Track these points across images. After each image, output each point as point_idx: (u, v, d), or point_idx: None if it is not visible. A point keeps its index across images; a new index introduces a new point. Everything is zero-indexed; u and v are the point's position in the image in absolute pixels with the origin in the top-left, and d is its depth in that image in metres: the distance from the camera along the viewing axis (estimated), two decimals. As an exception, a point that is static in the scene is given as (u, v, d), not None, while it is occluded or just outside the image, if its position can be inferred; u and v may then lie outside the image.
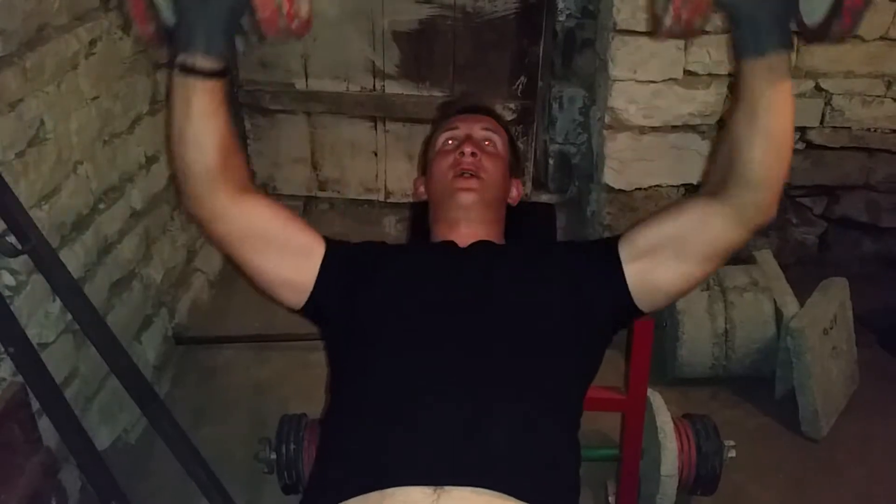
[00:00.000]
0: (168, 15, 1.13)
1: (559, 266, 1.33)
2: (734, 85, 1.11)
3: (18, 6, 1.57)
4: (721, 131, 1.13)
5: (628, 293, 1.26)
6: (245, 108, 2.90)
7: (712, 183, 1.21)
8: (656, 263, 1.25)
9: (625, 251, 1.27)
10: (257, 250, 1.26)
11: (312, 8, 1.16)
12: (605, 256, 1.29)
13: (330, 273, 1.28)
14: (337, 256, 1.30)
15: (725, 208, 1.19)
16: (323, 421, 1.35)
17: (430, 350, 1.21)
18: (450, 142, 1.49)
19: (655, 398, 1.78)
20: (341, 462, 1.16)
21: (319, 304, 1.30)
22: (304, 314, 1.33)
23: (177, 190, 1.22)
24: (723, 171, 1.18)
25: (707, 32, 2.31)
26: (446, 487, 1.04)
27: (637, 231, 1.29)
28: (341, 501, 1.07)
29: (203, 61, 1.12)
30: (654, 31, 1.11)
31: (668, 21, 1.05)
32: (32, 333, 1.58)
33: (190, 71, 1.13)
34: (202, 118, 1.15)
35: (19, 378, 1.53)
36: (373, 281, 1.30)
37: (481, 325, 1.23)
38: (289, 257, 1.28)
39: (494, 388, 1.17)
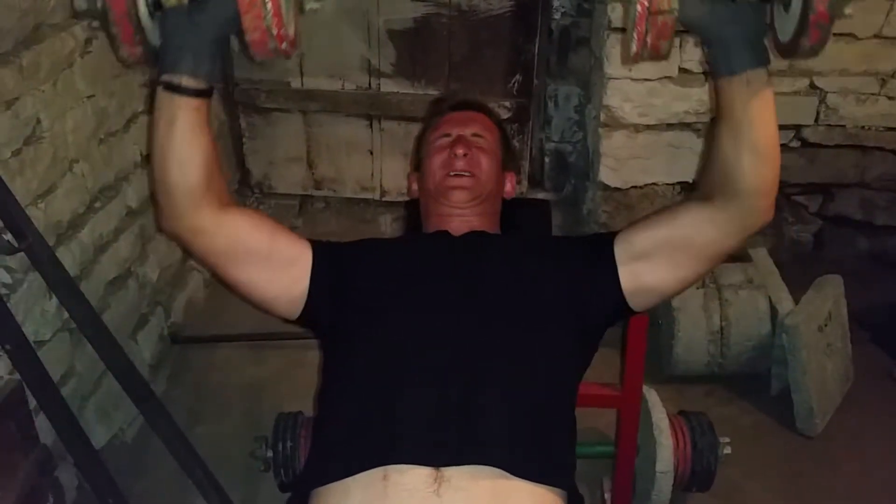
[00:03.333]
0: (154, 37, 1.12)
1: (554, 258, 1.34)
2: (716, 96, 1.13)
3: (15, 4, 1.57)
4: (710, 134, 1.13)
5: (621, 293, 1.27)
6: (241, 107, 2.90)
7: (706, 189, 1.21)
8: (650, 266, 1.25)
9: (619, 251, 1.28)
10: (244, 264, 1.24)
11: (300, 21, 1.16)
12: (600, 255, 1.29)
13: (321, 278, 1.28)
14: (325, 259, 1.30)
15: (720, 215, 1.19)
16: (317, 402, 1.35)
17: (424, 332, 1.21)
18: (442, 139, 1.50)
19: (651, 395, 1.78)
20: (337, 443, 1.16)
21: (314, 311, 1.29)
22: (301, 323, 1.33)
23: (155, 208, 1.19)
24: (715, 182, 1.18)
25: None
26: (445, 469, 1.05)
27: (632, 232, 1.29)
28: (339, 480, 1.08)
29: (189, 81, 1.11)
30: (623, 57, 1.12)
31: (634, 47, 1.05)
32: (29, 331, 1.58)
33: (175, 89, 1.11)
34: (187, 137, 1.13)
35: (16, 376, 1.53)
36: (364, 272, 1.31)
37: (475, 307, 1.24)
38: (277, 270, 1.26)
39: (489, 368, 1.18)
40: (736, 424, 2.15)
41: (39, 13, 1.65)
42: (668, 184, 2.57)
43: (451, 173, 1.43)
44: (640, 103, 2.43)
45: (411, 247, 1.40)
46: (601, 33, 2.43)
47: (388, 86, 2.85)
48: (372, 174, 3.03)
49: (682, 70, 2.39)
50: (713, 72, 1.12)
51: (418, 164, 1.56)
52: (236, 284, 1.27)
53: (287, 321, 1.33)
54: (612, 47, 2.36)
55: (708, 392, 2.31)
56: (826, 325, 2.21)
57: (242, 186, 3.06)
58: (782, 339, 2.16)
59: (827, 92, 2.48)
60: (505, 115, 2.80)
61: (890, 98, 2.48)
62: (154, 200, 1.23)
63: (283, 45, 1.07)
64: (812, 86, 2.46)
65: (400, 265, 1.32)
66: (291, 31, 1.10)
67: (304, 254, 1.29)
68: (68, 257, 1.77)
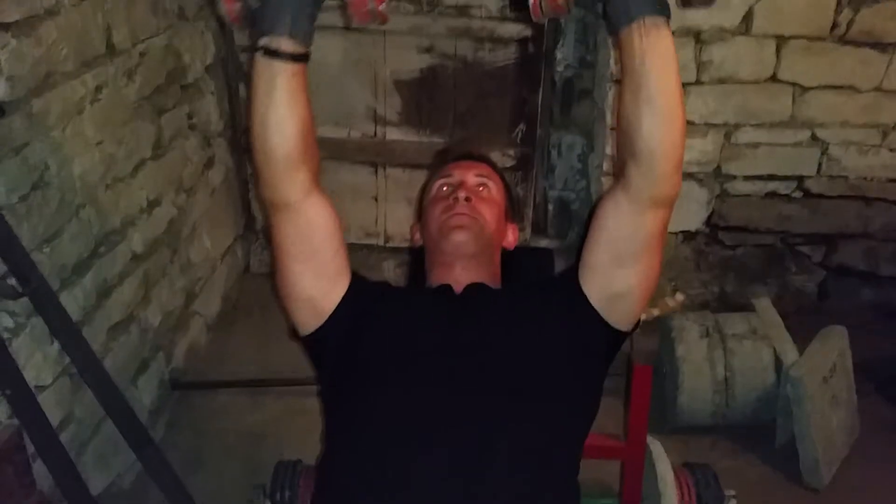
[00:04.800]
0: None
1: (540, 307, 1.34)
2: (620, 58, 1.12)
3: (27, 53, 1.60)
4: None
5: (599, 315, 1.27)
6: (248, 154, 2.93)
7: (617, 174, 1.20)
8: (606, 274, 1.25)
9: (581, 277, 1.28)
10: (305, 257, 1.26)
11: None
12: (569, 288, 1.29)
13: (344, 310, 1.29)
14: (355, 295, 1.31)
15: (632, 194, 1.17)
16: (319, 467, 1.34)
17: (426, 395, 1.21)
18: (444, 188, 1.50)
19: (655, 446, 1.76)
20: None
21: (326, 336, 1.29)
22: (306, 342, 1.33)
23: (254, 176, 1.20)
24: (622, 155, 1.17)
25: (703, 83, 2.35)
26: None
27: (583, 253, 1.29)
28: None
29: (288, 44, 1.11)
30: (530, 19, 1.13)
31: (530, 2, 1.06)
32: (30, 376, 1.58)
33: (274, 54, 1.11)
34: (286, 102, 1.14)
35: (15, 420, 1.52)
36: (373, 327, 1.30)
37: (478, 369, 1.23)
38: (323, 278, 1.28)
39: (494, 432, 1.17)
40: (742, 477, 2.12)
41: (51, 62, 1.68)
42: (670, 233, 2.58)
43: (453, 215, 1.43)
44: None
45: (416, 303, 1.39)
46: (603, 85, 2.46)
47: (393, 134, 2.88)
48: (376, 220, 3.04)
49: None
50: (612, 25, 1.10)
51: (421, 214, 1.57)
52: (287, 273, 1.27)
53: (294, 335, 1.34)
54: (615, 98, 2.39)
55: (713, 443, 2.29)
56: (831, 377, 2.19)
57: (247, 231, 3.07)
58: (787, 389, 2.14)
59: (829, 143, 2.50)
60: (509, 163, 2.83)
61: (891, 150, 2.50)
62: (254, 169, 1.25)
63: (382, 6, 1.09)
64: (814, 137, 2.48)
65: (405, 324, 1.32)
66: None
67: (344, 279, 1.31)
68: (72, 302, 1.77)
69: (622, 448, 1.63)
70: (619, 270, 1.24)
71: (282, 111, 1.14)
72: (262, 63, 1.13)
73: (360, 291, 1.32)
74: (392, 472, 1.14)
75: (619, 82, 2.35)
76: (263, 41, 1.12)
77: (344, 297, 1.29)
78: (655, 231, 1.22)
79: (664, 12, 1.08)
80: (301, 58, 1.14)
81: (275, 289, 1.32)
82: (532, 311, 1.33)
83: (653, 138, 1.11)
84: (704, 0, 1.03)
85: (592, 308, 1.27)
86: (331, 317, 1.28)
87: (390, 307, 1.35)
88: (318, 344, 1.32)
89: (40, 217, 1.66)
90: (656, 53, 1.08)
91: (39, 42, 1.64)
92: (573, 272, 1.31)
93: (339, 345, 1.29)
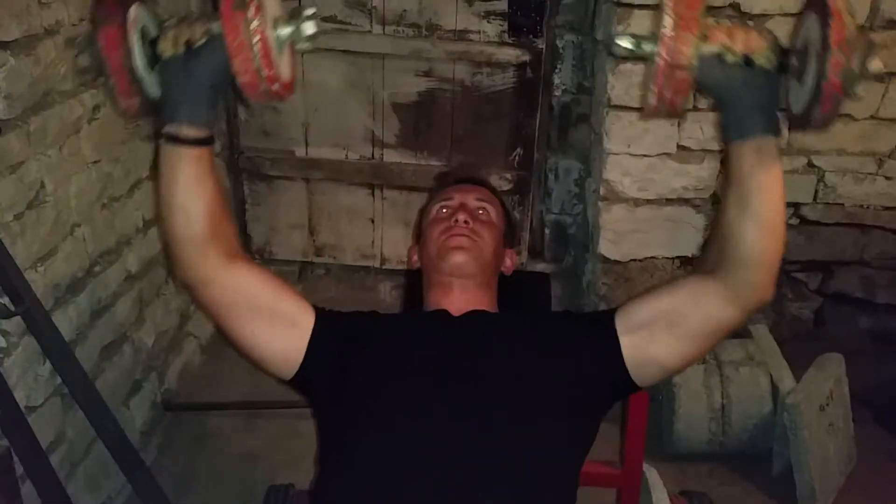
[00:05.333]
0: (151, 88, 1.14)
1: (555, 336, 1.33)
2: (725, 164, 1.13)
3: (25, 72, 1.60)
4: (717, 208, 1.14)
5: (624, 366, 1.25)
6: (245, 174, 2.93)
7: (709, 261, 1.21)
8: (651, 338, 1.24)
9: (621, 324, 1.27)
10: (247, 318, 1.25)
11: (296, 70, 1.18)
12: (603, 329, 1.28)
13: (320, 345, 1.27)
14: (327, 327, 1.29)
15: (720, 288, 1.18)
16: (312, 492, 1.33)
17: (421, 421, 1.20)
18: (444, 210, 1.50)
19: (651, 474, 1.74)
20: None
21: (308, 376, 1.28)
22: (292, 385, 1.31)
23: (167, 257, 1.23)
24: (718, 252, 1.18)
25: (700, 109, 2.36)
26: None
27: (634, 304, 1.29)
28: None
29: (189, 131, 1.13)
30: (642, 115, 1.15)
31: (652, 101, 1.07)
32: (21, 396, 1.56)
33: (176, 140, 1.13)
34: (190, 186, 1.15)
35: (4, 441, 1.50)
36: (363, 353, 1.29)
37: (474, 395, 1.22)
38: (278, 326, 1.26)
39: (489, 460, 1.16)
40: (738, 506, 2.11)
41: (49, 80, 1.69)
42: (667, 258, 2.58)
43: (452, 236, 1.43)
44: (640, 178, 2.45)
45: (412, 328, 1.38)
46: (601, 110, 2.47)
47: (391, 156, 2.89)
48: (373, 242, 3.04)
49: (681, 147, 2.42)
50: (724, 136, 1.13)
51: (419, 237, 1.57)
52: (237, 339, 1.27)
53: (280, 381, 1.31)
54: (612, 123, 2.40)
55: (710, 471, 2.27)
56: (828, 405, 2.18)
57: (244, 252, 3.06)
58: (784, 417, 2.13)
59: (825, 171, 2.50)
60: (506, 186, 2.83)
61: (887, 178, 2.50)
62: (166, 250, 1.25)
63: (275, 87, 1.08)
64: (810, 164, 2.49)
65: (400, 348, 1.31)
66: (284, 74, 1.12)
67: (307, 317, 1.28)
68: (65, 321, 1.76)
69: (618, 475, 1.62)
70: (667, 338, 1.23)
71: (187, 195, 1.15)
72: (166, 149, 1.15)
73: (333, 324, 1.31)
74: (384, 498, 1.13)
75: (615, 107, 2.38)
76: (166, 129, 1.14)
77: (313, 337, 1.27)
78: (725, 327, 1.23)
79: (776, 133, 1.11)
80: (204, 141, 1.15)
81: (240, 355, 1.30)
82: (535, 339, 1.32)
83: (754, 249, 1.13)
84: (821, 122, 1.05)
85: (621, 357, 1.25)
86: (306, 358, 1.26)
87: (380, 334, 1.34)
88: (303, 384, 1.30)
89: (35, 236, 1.66)
90: (765, 171, 1.10)
91: (38, 61, 1.64)
92: (608, 314, 1.30)
93: (325, 378, 1.27)
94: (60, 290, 1.77)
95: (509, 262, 1.55)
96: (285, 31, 1.10)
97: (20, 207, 1.60)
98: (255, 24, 1.03)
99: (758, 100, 1.08)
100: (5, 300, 1.46)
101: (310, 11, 1.12)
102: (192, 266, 1.20)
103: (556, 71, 2.76)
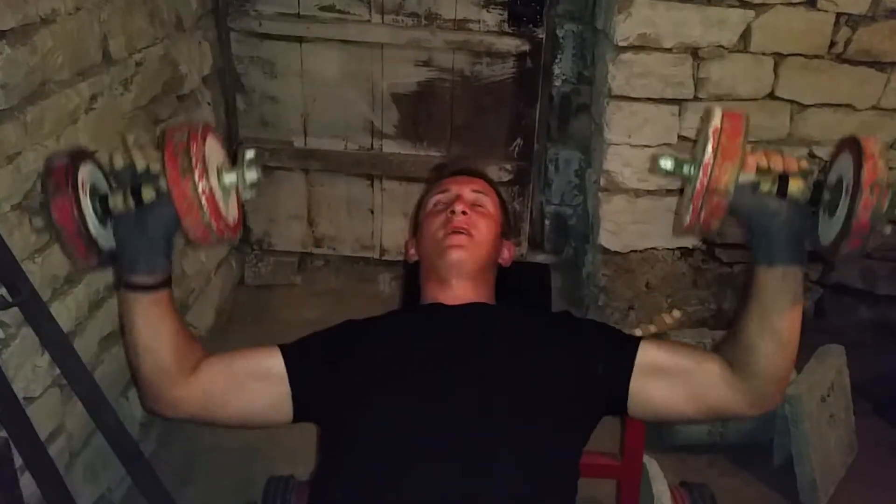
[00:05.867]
0: (107, 241, 1.18)
1: (565, 332, 1.34)
2: (747, 284, 1.23)
3: (22, 61, 1.58)
4: (735, 319, 1.25)
5: (627, 389, 1.26)
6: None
7: (727, 355, 1.24)
8: (662, 383, 1.26)
9: (642, 354, 1.28)
10: (224, 405, 1.27)
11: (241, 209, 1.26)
12: (623, 345, 1.30)
13: (301, 375, 1.27)
14: (298, 356, 1.30)
15: (737, 385, 1.22)
16: (312, 483, 1.33)
17: (420, 412, 1.19)
18: (440, 203, 1.49)
19: (652, 465, 1.74)
20: None
21: (308, 406, 1.28)
22: (302, 421, 1.32)
23: (137, 389, 1.30)
24: (734, 354, 1.22)
25: (700, 100, 2.35)
26: None
27: (663, 345, 1.32)
28: None
29: (147, 279, 1.17)
30: (676, 227, 1.24)
31: (688, 219, 1.12)
32: (19, 387, 1.55)
33: (135, 288, 1.17)
34: (153, 326, 1.19)
35: (3, 433, 1.50)
36: (355, 358, 1.29)
37: (473, 385, 1.22)
38: (253, 390, 1.27)
39: (490, 450, 1.16)
40: (739, 496, 2.11)
41: (46, 70, 1.67)
42: (668, 249, 2.57)
43: (450, 231, 1.42)
44: (640, 169, 2.44)
45: (406, 323, 1.39)
46: (601, 100, 2.46)
47: (390, 147, 2.87)
48: (372, 233, 3.03)
49: (682, 137, 2.41)
50: (753, 256, 1.18)
51: (416, 230, 1.56)
52: (226, 424, 1.31)
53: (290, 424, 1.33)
54: (613, 114, 2.39)
55: (710, 462, 2.27)
56: (829, 396, 2.18)
57: (242, 244, 3.06)
58: (784, 409, 2.12)
59: (826, 161, 2.49)
60: (506, 177, 2.82)
61: (890, 168, 2.48)
62: (136, 385, 1.29)
63: (225, 235, 1.14)
64: (812, 155, 2.48)
65: (395, 343, 1.31)
66: (232, 217, 1.18)
67: (274, 362, 1.28)
68: (63, 312, 1.75)
69: (619, 467, 1.61)
70: (674, 392, 1.26)
71: (151, 335, 1.19)
72: (126, 297, 1.19)
73: (304, 350, 1.32)
74: (384, 488, 1.13)
75: (616, 97, 2.37)
76: (124, 278, 1.18)
77: (290, 374, 1.27)
78: (725, 412, 1.29)
79: (802, 263, 1.16)
80: (162, 285, 1.18)
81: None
82: (534, 333, 1.33)
83: (767, 362, 1.18)
84: (846, 256, 1.10)
85: (628, 381, 1.27)
86: (295, 394, 1.27)
87: (369, 335, 1.34)
88: (308, 415, 1.31)
89: (33, 226, 1.64)
90: (788, 295, 1.15)
91: (34, 50, 1.62)
92: (636, 339, 1.32)
93: (323, 398, 1.27)
94: (58, 280, 1.76)
95: (507, 254, 1.55)
96: (230, 179, 1.16)
97: (17, 198, 1.59)
98: (201, 185, 1.08)
99: (788, 230, 1.13)
100: (3, 291, 1.45)
101: (250, 154, 1.17)
102: (161, 396, 1.23)
103: (557, 61, 2.75)
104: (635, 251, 2.57)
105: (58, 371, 1.67)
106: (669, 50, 2.31)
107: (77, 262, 1.17)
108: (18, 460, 1.53)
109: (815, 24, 2.30)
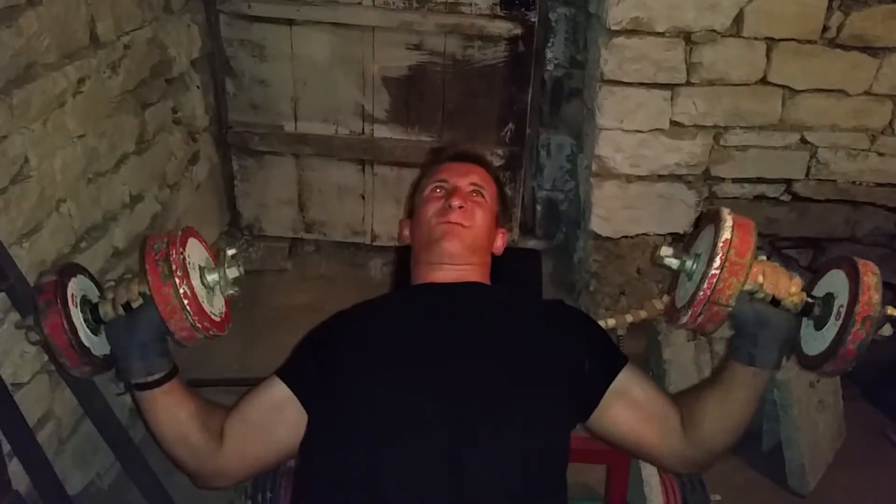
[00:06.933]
0: (100, 349, 1.21)
1: (556, 322, 1.34)
2: (718, 366, 1.32)
3: (7, 43, 1.56)
4: (697, 388, 1.32)
5: (600, 398, 1.28)
6: (233, 149, 2.90)
7: (684, 410, 1.28)
8: (627, 410, 1.29)
9: (624, 376, 1.30)
10: (264, 454, 1.29)
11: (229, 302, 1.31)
12: (614, 360, 1.31)
13: (305, 388, 1.28)
14: (297, 372, 1.30)
15: (681, 441, 1.26)
16: (296, 471, 1.33)
17: (410, 390, 1.20)
18: (438, 191, 1.48)
19: (641, 450, 1.75)
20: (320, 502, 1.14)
21: (318, 407, 1.28)
22: None
23: (190, 478, 1.32)
24: (689, 417, 1.26)
25: (692, 84, 2.34)
26: None
27: (642, 376, 1.33)
28: None
29: (147, 378, 1.20)
30: (669, 319, 1.27)
31: (684, 319, 1.16)
32: (7, 373, 1.55)
33: (142, 387, 1.21)
34: (173, 417, 1.22)
35: (-10, 419, 1.49)
36: (346, 336, 1.30)
37: (464, 357, 1.23)
38: (277, 425, 1.28)
39: (475, 419, 1.16)
40: (727, 481, 2.11)
41: (32, 52, 1.65)
42: (659, 234, 2.57)
43: (445, 222, 1.41)
44: (632, 154, 2.44)
45: (396, 300, 1.39)
46: (594, 85, 2.45)
47: (381, 131, 2.86)
48: (363, 218, 3.02)
49: (674, 123, 2.41)
50: (732, 353, 1.22)
51: (412, 211, 1.55)
52: (280, 461, 1.33)
53: None
54: (605, 99, 2.38)
55: (699, 447, 2.28)
56: (818, 382, 2.19)
57: (232, 228, 3.04)
58: (774, 394, 2.13)
59: (818, 147, 2.49)
60: (497, 162, 2.81)
61: (880, 154, 2.49)
62: (183, 470, 1.32)
63: (211, 332, 1.20)
64: (803, 140, 2.48)
65: (385, 326, 1.31)
66: (219, 311, 1.24)
67: (277, 391, 1.29)
68: (51, 298, 1.74)
69: (608, 452, 1.61)
70: (631, 422, 1.29)
71: (174, 424, 1.23)
72: (137, 396, 1.23)
73: (301, 366, 1.32)
74: (369, 456, 1.13)
75: (608, 82, 2.36)
76: (131, 381, 1.21)
77: (297, 395, 1.27)
78: (657, 462, 1.39)
79: (777, 368, 1.21)
80: (167, 377, 1.22)
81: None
82: (532, 314, 1.35)
83: (714, 439, 1.25)
84: (827, 374, 1.20)
85: (603, 392, 1.28)
86: (308, 411, 1.27)
87: (363, 322, 1.35)
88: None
89: (19, 211, 1.63)
90: (753, 391, 1.21)
91: (20, 32, 1.60)
92: (623, 358, 1.33)
93: (323, 387, 1.27)
94: (46, 266, 1.74)
95: (500, 243, 1.54)
96: (212, 278, 1.22)
97: (3, 182, 1.58)
98: (182, 289, 1.13)
99: (775, 337, 1.17)
100: (-11, 277, 1.44)
101: (231, 252, 1.23)
102: (207, 472, 1.27)
103: (549, 45, 2.74)
104: (626, 237, 2.57)
105: (46, 357, 1.66)
106: (662, 34, 2.30)
107: (72, 372, 1.20)
108: (7, 447, 1.53)
109: (808, 9, 2.30)
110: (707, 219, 1.23)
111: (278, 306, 2.79)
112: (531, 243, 3.00)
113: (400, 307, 1.36)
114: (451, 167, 1.53)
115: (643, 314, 2.17)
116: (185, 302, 1.14)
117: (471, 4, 2.66)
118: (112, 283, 1.23)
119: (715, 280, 1.11)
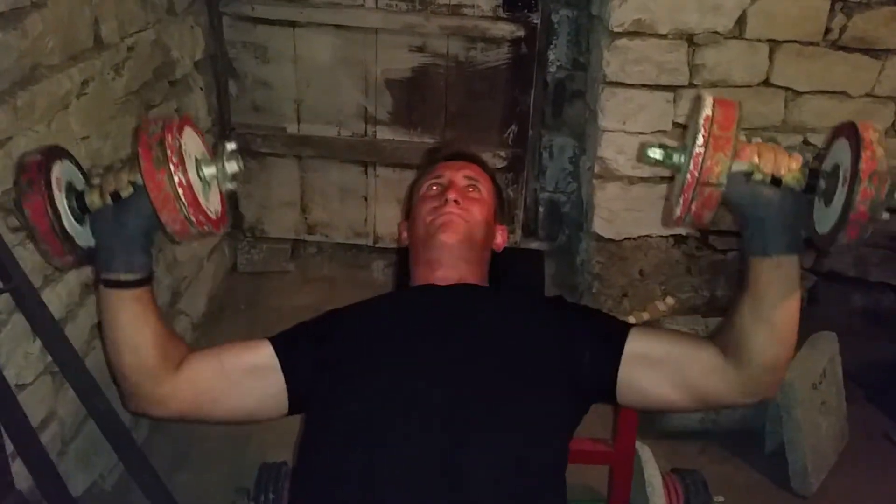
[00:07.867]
0: (84, 240, 1.15)
1: (556, 319, 1.33)
2: (741, 271, 1.20)
3: (12, 45, 1.57)
4: (730, 307, 1.22)
5: (615, 378, 1.25)
6: (236, 151, 2.90)
7: (721, 345, 1.21)
8: (651, 372, 1.24)
9: (633, 342, 1.26)
10: (216, 401, 1.25)
11: (226, 203, 1.22)
12: (611, 334, 1.28)
13: (294, 362, 1.26)
14: (288, 344, 1.29)
15: (731, 375, 1.19)
16: (293, 472, 1.33)
17: (408, 390, 1.19)
18: (434, 188, 1.49)
19: (644, 451, 1.75)
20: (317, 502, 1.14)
21: (302, 394, 1.27)
22: (293, 413, 1.30)
23: (119, 392, 1.28)
24: (728, 345, 1.19)
25: (695, 86, 2.34)
26: None
27: (653, 333, 1.30)
28: None
29: (127, 276, 1.15)
30: (665, 218, 1.17)
31: (678, 211, 1.09)
32: (10, 374, 1.55)
33: (115, 285, 1.15)
34: (135, 324, 1.16)
35: (-6, 420, 1.49)
36: (344, 334, 1.30)
37: (461, 359, 1.23)
38: (246, 383, 1.25)
39: (471, 423, 1.16)
40: (730, 483, 2.12)
41: (37, 54, 1.66)
42: (661, 236, 2.57)
43: (441, 217, 1.41)
44: (634, 156, 2.44)
45: (394, 301, 1.39)
46: (596, 86, 2.45)
47: (384, 133, 2.86)
48: (366, 220, 3.02)
49: (676, 124, 2.41)
50: (746, 249, 1.14)
51: (409, 212, 1.55)
52: (221, 420, 1.29)
53: (285, 417, 1.32)
54: (607, 100, 2.38)
55: (702, 449, 2.28)
56: (821, 383, 2.18)
57: (235, 230, 3.04)
58: (777, 396, 2.13)
59: (821, 149, 2.48)
60: (500, 164, 2.81)
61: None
62: (117, 385, 1.27)
63: (206, 228, 1.11)
64: (806, 142, 2.48)
65: (383, 325, 1.31)
66: (215, 209, 1.15)
67: (264, 353, 1.27)
68: (54, 299, 1.74)
69: (610, 453, 1.62)
70: (664, 381, 1.24)
71: (133, 334, 1.17)
72: (105, 293, 1.16)
73: (294, 338, 1.31)
74: (366, 459, 1.13)
75: (611, 84, 2.36)
76: (103, 276, 1.16)
77: (282, 363, 1.26)
78: (718, 402, 1.27)
79: (798, 251, 1.12)
80: (142, 281, 1.16)
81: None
82: (528, 314, 1.33)
83: (763, 355, 1.15)
84: (845, 246, 1.06)
85: (616, 369, 1.25)
86: (289, 384, 1.26)
87: (363, 320, 1.34)
88: (302, 404, 1.29)
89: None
90: (783, 284, 1.12)
91: (25, 34, 1.61)
92: (625, 326, 1.30)
93: (318, 385, 1.26)
94: (50, 267, 1.75)
95: (500, 240, 1.54)
96: (209, 171, 1.13)
97: (8, 183, 1.57)
98: (177, 176, 1.05)
99: (783, 219, 1.09)
100: (-7, 277, 1.44)
101: (231, 146, 1.15)
102: (147, 395, 1.21)
103: (552, 46, 2.74)
104: (629, 238, 2.57)
105: (49, 358, 1.66)
106: (665, 36, 2.30)
107: (53, 262, 1.14)
108: (10, 447, 1.53)
109: (811, 11, 2.30)
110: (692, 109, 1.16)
111: (280, 308, 2.79)
112: (533, 245, 3.00)
113: (398, 307, 1.36)
114: (446, 165, 1.54)
115: (645, 316, 2.17)
116: (180, 191, 1.06)
117: (473, 6, 2.66)
118: (101, 173, 1.16)
119: (701, 158, 1.04)
